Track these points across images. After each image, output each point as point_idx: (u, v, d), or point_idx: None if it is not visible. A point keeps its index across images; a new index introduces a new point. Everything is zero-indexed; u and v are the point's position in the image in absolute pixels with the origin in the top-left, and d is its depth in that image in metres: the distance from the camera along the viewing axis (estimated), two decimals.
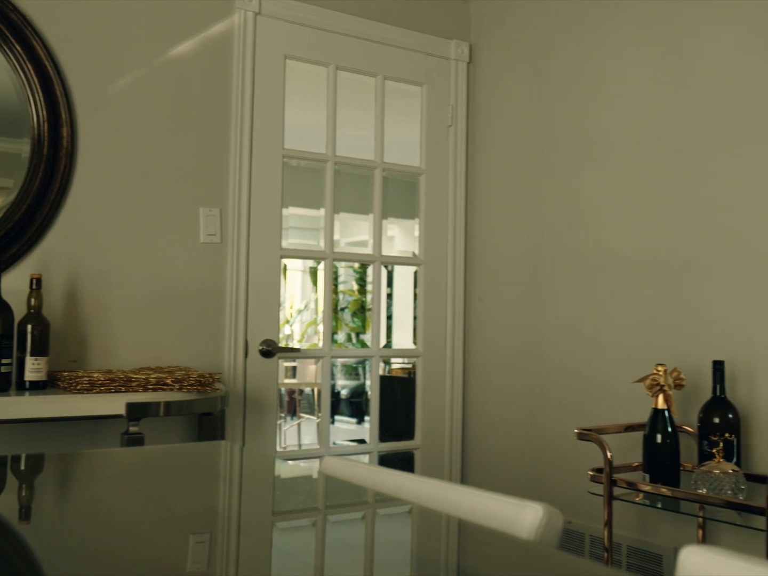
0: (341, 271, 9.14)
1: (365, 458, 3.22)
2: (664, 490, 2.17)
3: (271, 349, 2.90)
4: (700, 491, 2.07)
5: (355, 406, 8.00)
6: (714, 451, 2.11)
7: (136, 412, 2.19)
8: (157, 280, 2.70)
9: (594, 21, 2.89)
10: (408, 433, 3.28)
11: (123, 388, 2.21)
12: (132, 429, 2.20)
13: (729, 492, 2.04)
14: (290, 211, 3.50)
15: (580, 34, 2.94)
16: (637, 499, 2.31)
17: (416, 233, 3.35)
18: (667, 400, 2.26)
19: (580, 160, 2.92)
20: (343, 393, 8.34)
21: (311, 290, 9.07)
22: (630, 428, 2.44)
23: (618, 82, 2.80)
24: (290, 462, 3.28)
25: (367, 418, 3.26)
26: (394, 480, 1.36)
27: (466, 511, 1.21)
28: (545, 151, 3.05)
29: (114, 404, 2.18)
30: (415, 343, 3.33)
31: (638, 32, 2.74)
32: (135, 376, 2.26)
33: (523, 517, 1.09)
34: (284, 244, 2.98)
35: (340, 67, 3.11)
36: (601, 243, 2.82)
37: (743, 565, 0.88)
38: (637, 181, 2.72)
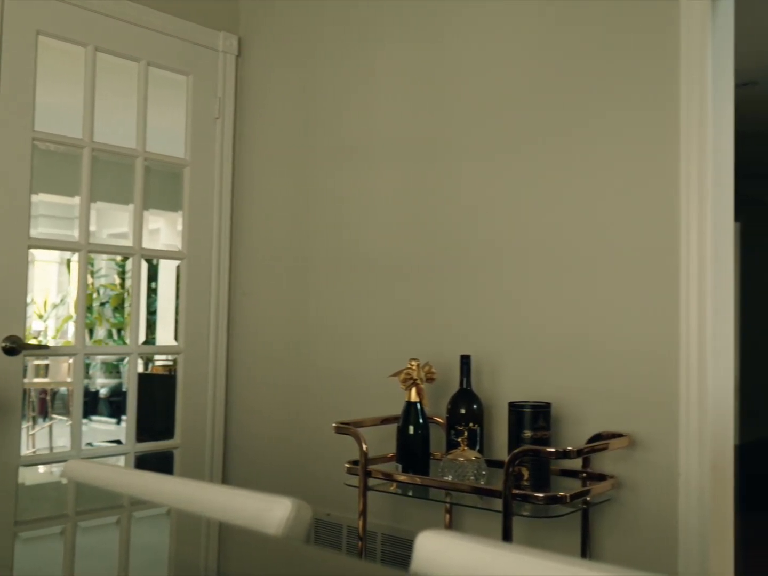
0: (103, 264, 8.67)
1: (121, 460, 3.08)
2: (416, 479, 2.29)
3: (15, 346, 2.69)
4: (447, 478, 2.20)
5: (115, 405, 7.64)
6: (459, 440, 2.25)
7: None
8: None
9: (361, 21, 2.97)
10: (167, 432, 3.18)
11: None
12: None
13: (472, 478, 2.19)
14: (40, 198, 3.26)
15: (347, 34, 3.02)
16: (391, 488, 2.40)
17: (180, 226, 3.26)
18: (419, 393, 2.38)
19: (343, 159, 2.99)
20: (103, 392, 7.92)
21: (68, 283, 8.52)
22: (386, 421, 2.54)
23: (381, 84, 2.90)
24: (41, 468, 3.07)
25: (124, 417, 3.12)
26: (142, 481, 1.31)
27: (217, 510, 1.20)
28: (312, 149, 3.10)
29: None
30: (176, 339, 3.24)
31: (402, 35, 2.86)
32: None
33: (272, 512, 1.09)
34: (33, 233, 2.77)
35: (100, 48, 2.95)
36: (360, 242, 2.92)
37: (473, 546, 0.95)
38: (393, 182, 2.84)
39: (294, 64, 3.19)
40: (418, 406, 2.39)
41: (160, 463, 3.23)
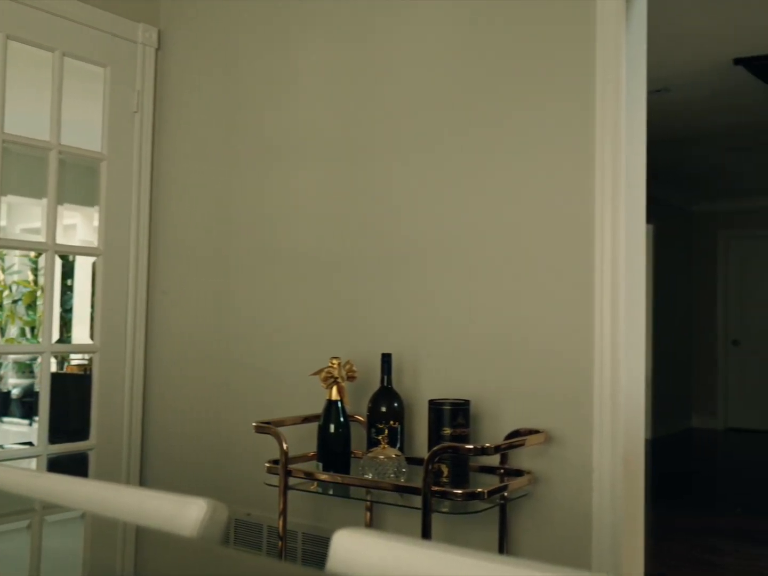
0: (15, 260, 8.38)
1: (33, 462, 2.98)
2: (336, 478, 2.29)
3: None
4: (367, 476, 2.21)
5: (27, 406, 7.40)
6: (380, 438, 2.26)
7: None
8: None
9: (284, 19, 2.95)
10: (82, 433, 3.10)
11: None
12: None
13: (392, 475, 2.20)
14: None
15: (271, 32, 2.99)
16: (312, 488, 2.40)
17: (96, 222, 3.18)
18: (340, 391, 2.38)
19: (266, 155, 2.97)
20: (15, 392, 7.66)
21: None
22: (307, 419, 2.53)
23: (305, 81, 2.89)
24: None
25: (37, 418, 3.02)
26: (53, 484, 1.27)
27: (131, 513, 1.17)
28: (234, 144, 3.06)
29: None
30: (92, 338, 3.16)
31: (325, 33, 2.85)
32: None
33: (187, 513, 1.08)
34: None
35: (12, 36, 2.85)
36: (283, 240, 2.90)
37: (389, 543, 0.96)
38: (316, 179, 2.83)
39: (216, 58, 3.14)
40: (339, 404, 2.39)
41: (74, 465, 3.14)
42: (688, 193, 8.36)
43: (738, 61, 4.05)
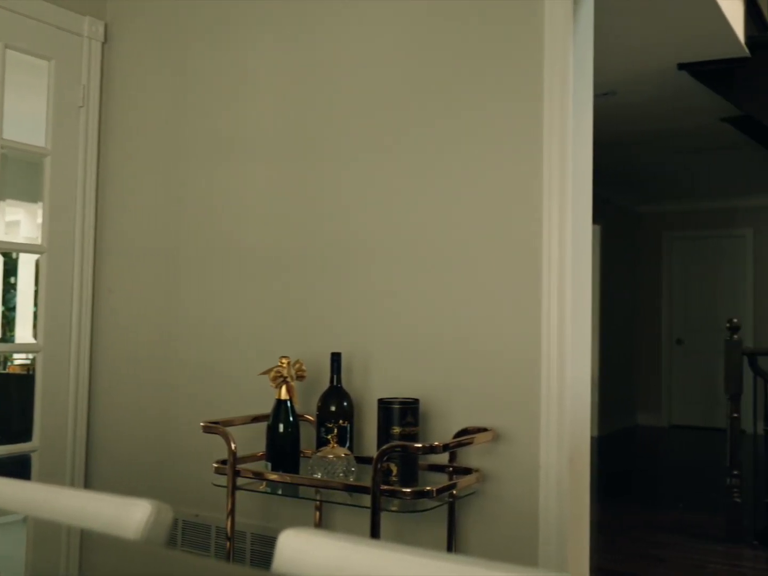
0: None
1: None
2: (285, 478, 2.28)
3: None
4: (316, 476, 2.21)
5: None
6: (329, 437, 2.26)
7: None
8: None
9: (235, 17, 2.92)
10: (25, 435, 3.03)
11: None
12: None
13: (341, 475, 2.20)
14: None
15: (220, 29, 2.96)
16: (261, 488, 2.38)
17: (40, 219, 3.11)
18: (289, 390, 2.37)
19: (216, 154, 2.94)
20: None
21: None
22: (257, 419, 2.51)
23: (255, 80, 2.87)
24: None
25: None
26: None
27: (74, 516, 1.15)
28: (182, 141, 3.02)
29: None
30: (35, 337, 3.09)
31: (277, 32, 2.83)
32: None
33: (130, 515, 1.06)
34: None
35: None
36: (233, 239, 2.87)
37: (335, 543, 0.96)
38: (267, 178, 2.81)
39: (164, 53, 3.10)
40: (288, 404, 2.38)
41: (16, 468, 3.07)
42: (634, 194, 8.52)
43: (682, 66, 4.14)
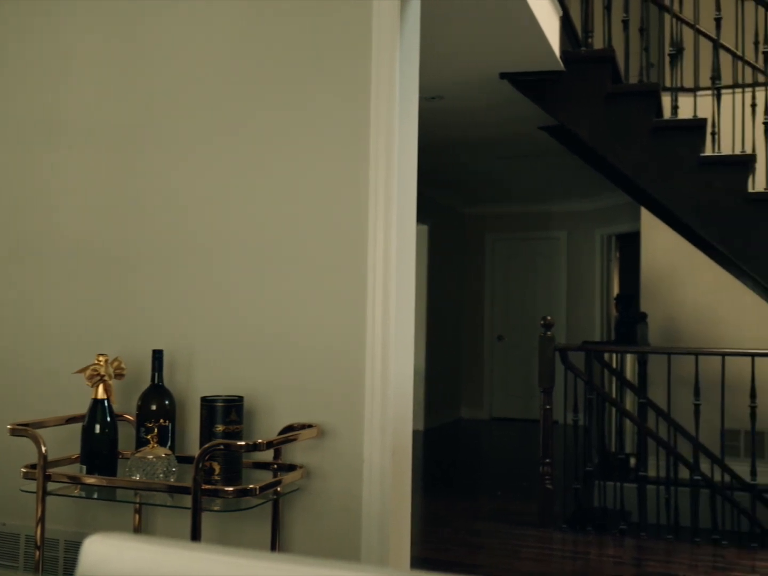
0: None
1: None
2: (102, 480, 2.18)
3: None
4: (135, 477, 2.13)
5: None
6: (149, 437, 2.19)
7: None
8: None
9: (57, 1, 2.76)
10: None
11: None
12: None
13: (161, 475, 2.14)
14: None
15: (45, 10, 2.78)
16: (75, 492, 2.27)
17: None
18: (107, 390, 2.28)
19: (37, 142, 2.75)
20: None
21: None
22: (72, 420, 2.39)
23: (79, 65, 2.71)
24: None
25: None
26: None
27: None
28: (2, 127, 2.81)
29: None
30: None
31: (100, 15, 2.70)
32: None
33: None
34: None
35: None
36: (49, 230, 2.71)
37: (145, 546, 0.93)
38: (86, 168, 2.68)
39: None
40: (106, 403, 2.28)
41: None
42: (459, 196, 8.85)
43: (503, 76, 4.35)
